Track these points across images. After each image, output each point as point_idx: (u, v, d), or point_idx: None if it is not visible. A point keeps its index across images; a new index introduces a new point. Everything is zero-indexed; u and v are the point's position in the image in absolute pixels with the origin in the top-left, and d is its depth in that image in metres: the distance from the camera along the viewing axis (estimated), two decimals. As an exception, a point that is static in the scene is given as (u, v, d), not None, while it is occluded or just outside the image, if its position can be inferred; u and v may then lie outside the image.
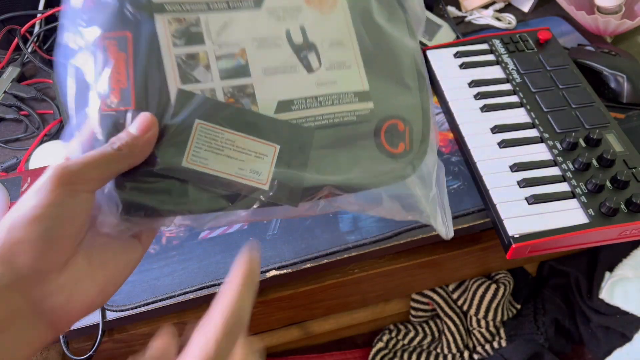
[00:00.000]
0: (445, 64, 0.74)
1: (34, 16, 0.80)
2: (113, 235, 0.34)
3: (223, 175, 0.35)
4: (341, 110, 0.38)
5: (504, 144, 0.64)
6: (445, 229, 0.43)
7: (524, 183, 0.60)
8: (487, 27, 0.86)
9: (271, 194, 0.35)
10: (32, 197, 0.29)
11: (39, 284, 0.30)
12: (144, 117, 0.33)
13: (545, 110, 0.67)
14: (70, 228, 0.30)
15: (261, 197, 0.35)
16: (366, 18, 0.41)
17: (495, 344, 0.95)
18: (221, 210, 0.35)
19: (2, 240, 0.28)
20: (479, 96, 0.70)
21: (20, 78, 0.78)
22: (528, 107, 0.68)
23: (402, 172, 0.39)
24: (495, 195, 0.59)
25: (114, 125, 0.33)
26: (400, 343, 0.98)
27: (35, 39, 0.79)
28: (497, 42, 0.76)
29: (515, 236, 0.56)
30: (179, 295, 0.57)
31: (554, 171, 0.61)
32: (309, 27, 0.39)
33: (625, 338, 0.85)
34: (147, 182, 0.34)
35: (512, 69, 0.73)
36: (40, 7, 0.80)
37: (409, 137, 0.40)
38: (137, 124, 0.33)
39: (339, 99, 0.38)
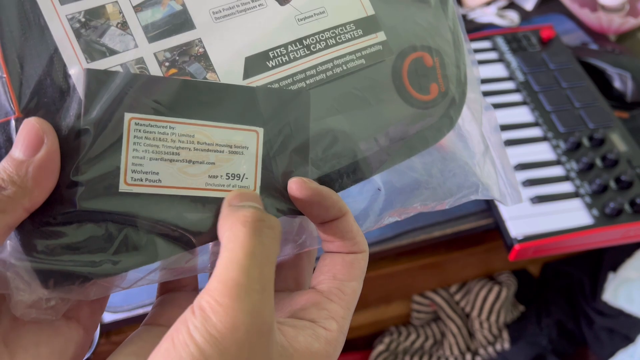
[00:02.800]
0: (447, 62, 0.74)
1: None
2: (38, 320, 0.22)
3: (187, 192, 0.23)
4: (342, 54, 0.26)
5: (507, 143, 0.63)
6: (510, 196, 0.30)
7: (528, 183, 0.59)
8: (490, 25, 0.86)
9: (266, 201, 0.24)
10: None
11: None
12: (28, 126, 0.21)
13: (548, 109, 0.67)
14: None
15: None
16: None
17: (498, 346, 0.94)
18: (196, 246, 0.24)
19: None
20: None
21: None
22: (531, 105, 0.67)
23: (439, 126, 0.27)
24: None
25: None
26: (402, 345, 0.97)
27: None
28: (500, 40, 0.76)
29: (519, 237, 0.55)
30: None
31: (558, 171, 0.61)
32: None
33: (629, 340, 0.85)
34: (70, 232, 0.22)
35: (515, 68, 0.72)
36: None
37: (441, 73, 0.28)
38: (19, 142, 0.21)
39: (335, 37, 0.26)
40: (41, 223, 0.21)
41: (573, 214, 0.57)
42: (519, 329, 0.95)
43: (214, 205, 0.23)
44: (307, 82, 0.25)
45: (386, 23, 0.27)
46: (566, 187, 0.59)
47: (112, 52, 0.22)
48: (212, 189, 0.23)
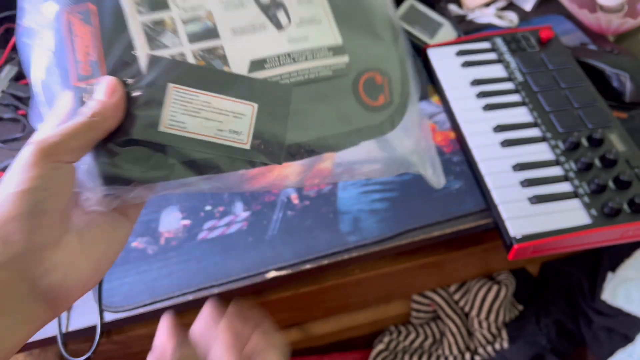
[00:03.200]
0: (446, 62, 0.74)
1: (32, 15, 0.79)
2: (99, 212, 0.34)
3: (202, 137, 0.34)
4: (316, 66, 0.38)
5: (506, 144, 0.64)
6: (437, 178, 0.42)
7: (526, 183, 0.59)
8: (489, 26, 0.86)
9: (253, 152, 0.35)
10: (17, 173, 0.30)
11: (33, 262, 0.30)
12: (107, 81, 0.33)
13: (547, 109, 0.67)
14: (58, 201, 0.31)
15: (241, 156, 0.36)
16: None
17: (497, 346, 0.94)
18: (204, 174, 0.35)
19: None
20: (480, 95, 0.69)
21: (18, 77, 0.77)
22: (530, 106, 0.67)
23: (384, 124, 0.39)
24: (497, 196, 0.59)
25: (87, 97, 0.34)
26: (401, 345, 0.98)
27: (33, 38, 0.79)
28: (499, 41, 0.76)
29: (518, 237, 0.55)
30: (177, 296, 0.57)
31: (557, 171, 0.61)
32: None
33: (628, 339, 0.85)
34: (125, 151, 0.33)
35: (514, 68, 0.72)
36: (39, 6, 0.80)
37: (388, 88, 0.39)
38: (102, 89, 0.33)
39: (313, 55, 0.38)
40: (109, 143, 0.33)
41: (572, 214, 0.57)
42: (518, 329, 0.95)
43: (217, 148, 0.35)
44: (290, 80, 0.37)
45: (350, 50, 0.39)
46: (565, 187, 0.60)
47: (166, 47, 0.35)
48: (219, 137, 0.35)
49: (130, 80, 0.34)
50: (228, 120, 0.35)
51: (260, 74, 0.36)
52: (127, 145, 0.34)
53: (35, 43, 0.35)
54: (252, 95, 0.36)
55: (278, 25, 0.38)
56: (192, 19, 0.36)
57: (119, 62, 0.34)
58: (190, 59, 0.35)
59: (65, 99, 0.34)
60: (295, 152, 0.37)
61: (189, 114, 0.34)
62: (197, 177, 0.35)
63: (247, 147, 0.35)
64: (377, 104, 0.39)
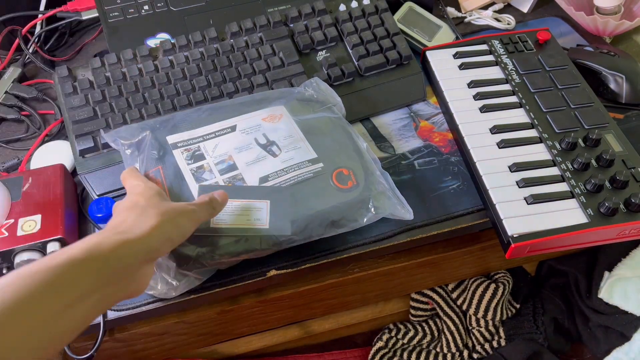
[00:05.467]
0: (444, 64, 0.75)
1: (35, 17, 0.80)
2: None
3: (237, 225, 0.54)
4: (302, 172, 0.58)
5: (503, 144, 0.64)
6: (408, 213, 0.60)
7: (523, 183, 0.60)
8: (487, 28, 0.87)
9: (271, 229, 0.55)
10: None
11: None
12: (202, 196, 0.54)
13: (544, 110, 0.68)
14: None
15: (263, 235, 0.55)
16: (301, 115, 0.63)
17: (495, 343, 0.95)
18: (243, 253, 0.55)
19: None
20: (478, 97, 0.70)
21: (22, 78, 0.78)
22: (527, 107, 0.68)
23: (358, 197, 0.58)
24: (495, 195, 0.60)
25: None
26: (400, 342, 0.98)
27: (36, 40, 0.79)
28: (496, 43, 0.76)
29: (515, 236, 0.56)
30: (179, 295, 0.57)
31: (553, 171, 0.62)
32: (268, 132, 0.61)
33: (625, 337, 0.86)
34: (191, 241, 0.53)
35: (512, 70, 0.73)
36: (42, 7, 0.81)
37: (353, 175, 0.59)
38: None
39: (298, 167, 0.58)
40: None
41: (568, 213, 0.58)
42: (515, 327, 0.96)
43: (248, 230, 0.55)
44: (286, 184, 0.57)
45: (323, 159, 0.60)
46: (562, 187, 0.60)
47: (204, 179, 0.57)
48: (249, 224, 0.55)
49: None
50: (253, 212, 0.55)
51: (267, 184, 0.57)
52: (193, 237, 0.51)
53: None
54: (265, 196, 0.56)
55: (273, 155, 0.59)
56: (220, 162, 0.58)
57: (179, 194, 0.56)
58: (222, 184, 0.57)
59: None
60: (299, 225, 0.56)
61: (227, 213, 0.54)
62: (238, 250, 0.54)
63: (267, 226, 0.55)
64: (347, 187, 0.58)
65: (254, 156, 0.58)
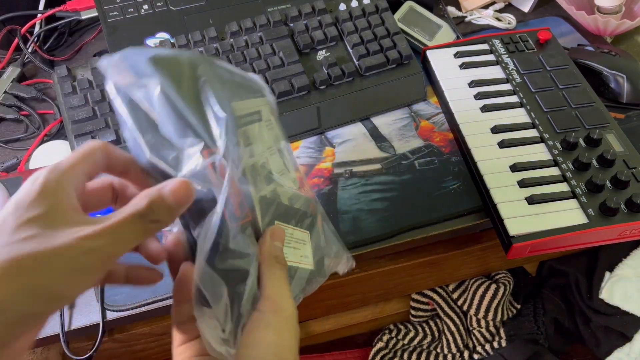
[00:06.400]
0: (445, 64, 0.74)
1: (34, 16, 0.80)
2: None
3: (293, 264, 0.41)
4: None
5: (504, 144, 0.64)
6: (350, 262, 0.52)
7: (524, 183, 0.60)
8: (487, 27, 0.87)
9: (315, 271, 0.45)
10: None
11: None
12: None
13: (545, 110, 0.68)
14: None
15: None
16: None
17: (495, 344, 0.95)
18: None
19: None
20: (479, 96, 0.70)
21: (21, 78, 0.78)
22: (528, 107, 0.68)
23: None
24: (496, 195, 0.59)
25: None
26: (400, 343, 0.98)
27: (35, 39, 0.79)
28: (497, 42, 0.76)
29: (516, 236, 0.56)
30: (179, 295, 0.57)
31: (554, 171, 0.62)
32: None
33: (625, 338, 0.86)
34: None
35: (512, 69, 0.73)
36: (41, 7, 0.81)
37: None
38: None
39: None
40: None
41: (569, 214, 0.58)
42: (516, 327, 0.96)
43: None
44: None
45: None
46: (562, 187, 0.60)
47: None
48: (296, 261, 0.42)
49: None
50: (302, 247, 0.43)
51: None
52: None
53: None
54: (309, 224, 0.45)
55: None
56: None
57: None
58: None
59: None
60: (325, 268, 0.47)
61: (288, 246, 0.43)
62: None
63: (313, 267, 0.44)
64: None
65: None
